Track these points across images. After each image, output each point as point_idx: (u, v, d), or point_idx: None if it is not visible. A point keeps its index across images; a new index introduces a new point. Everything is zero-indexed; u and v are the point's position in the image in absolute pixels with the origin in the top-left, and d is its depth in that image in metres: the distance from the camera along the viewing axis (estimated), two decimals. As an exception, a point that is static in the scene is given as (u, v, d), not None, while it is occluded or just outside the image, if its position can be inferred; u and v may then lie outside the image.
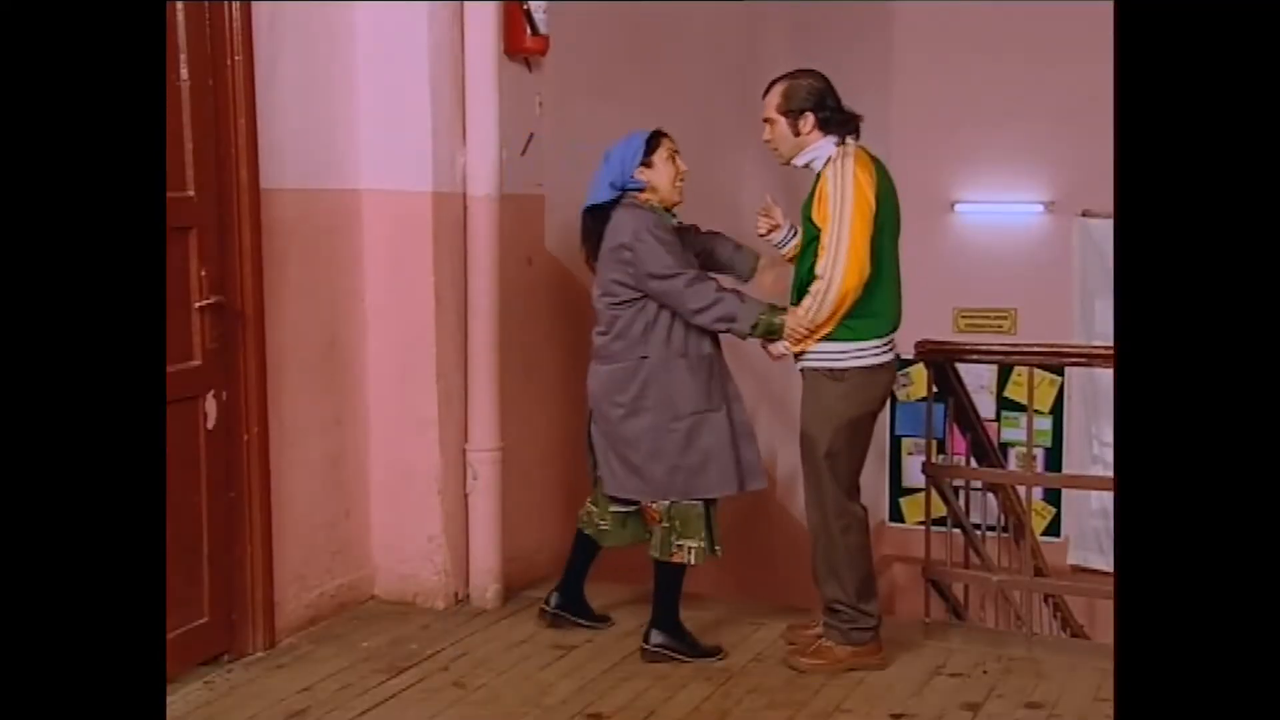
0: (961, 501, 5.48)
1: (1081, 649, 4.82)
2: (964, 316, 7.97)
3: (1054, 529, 8.02)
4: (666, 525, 3.65)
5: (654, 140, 3.69)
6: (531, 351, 4.32)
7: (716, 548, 3.69)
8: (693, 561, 3.66)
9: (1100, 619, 7.39)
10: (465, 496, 4.14)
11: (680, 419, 3.59)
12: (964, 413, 5.18)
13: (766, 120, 3.62)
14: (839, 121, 3.57)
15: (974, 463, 5.62)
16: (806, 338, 3.51)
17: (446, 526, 4.09)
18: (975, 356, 4.86)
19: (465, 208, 4.07)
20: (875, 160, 3.57)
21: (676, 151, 3.72)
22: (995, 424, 7.86)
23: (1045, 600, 6.23)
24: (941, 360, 4.69)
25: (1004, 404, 7.97)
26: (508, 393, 4.17)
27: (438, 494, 4.07)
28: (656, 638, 3.71)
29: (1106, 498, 7.80)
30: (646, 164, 3.66)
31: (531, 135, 4.25)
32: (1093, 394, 7.88)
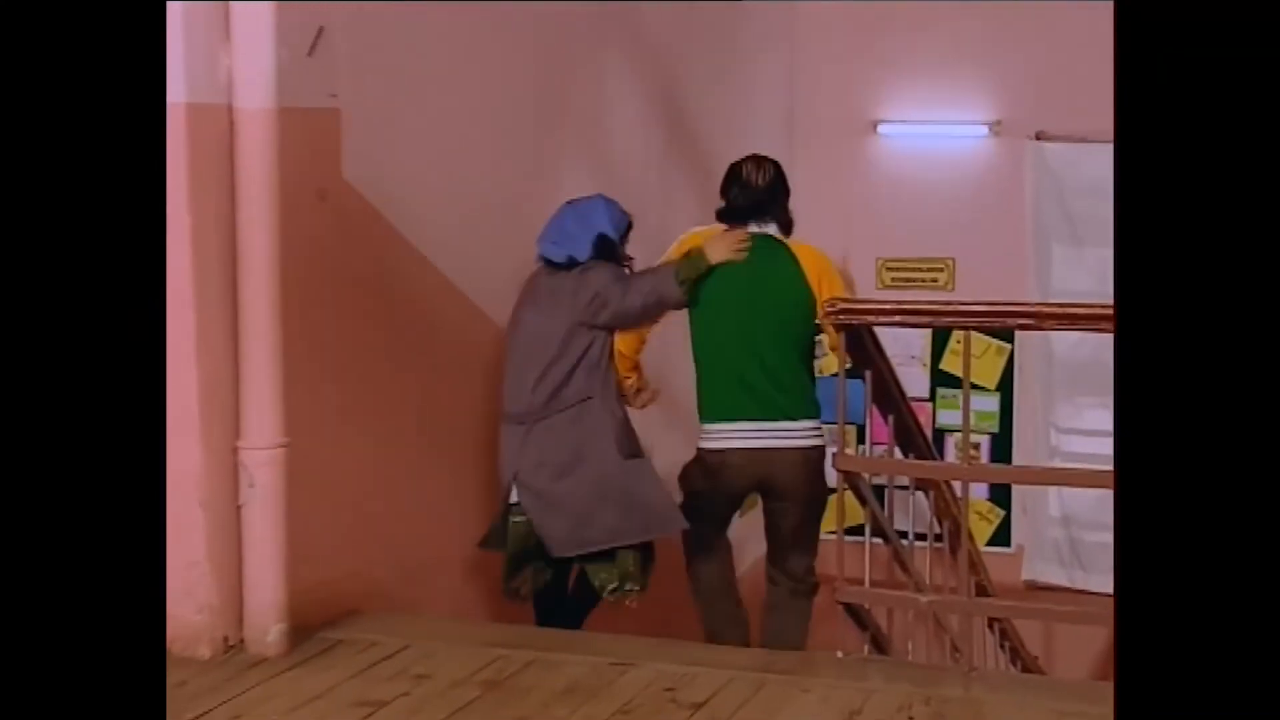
0: (885, 504, 5.43)
1: (1033, 686, 4.91)
2: (889, 269, 8.08)
3: (1003, 537, 8.21)
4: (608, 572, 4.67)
5: (629, 229, 4.84)
6: (325, 318, 4.30)
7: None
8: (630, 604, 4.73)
9: (1060, 648, 7.56)
10: (238, 509, 4.09)
11: (631, 459, 4.62)
12: (886, 390, 5.20)
13: None
14: (724, 212, 4.92)
15: (900, 454, 5.64)
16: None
17: (212, 549, 4.03)
18: (900, 318, 4.85)
19: (231, 125, 3.98)
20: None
21: None
22: (929, 405, 7.98)
23: (990, 626, 6.32)
24: (857, 323, 4.69)
25: (940, 379, 8.11)
26: (293, 373, 4.11)
27: (200, 507, 4.00)
28: None
29: (1068, 497, 8.05)
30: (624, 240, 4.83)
31: (321, 30, 4.19)
32: (1049, 365, 8.06)
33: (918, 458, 5.66)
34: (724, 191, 4.94)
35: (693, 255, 4.72)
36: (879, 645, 5.38)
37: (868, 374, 4.92)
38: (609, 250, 4.73)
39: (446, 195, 4.90)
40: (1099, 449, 7.62)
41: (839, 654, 4.54)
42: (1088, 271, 7.73)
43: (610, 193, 4.91)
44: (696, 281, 4.70)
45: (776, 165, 4.99)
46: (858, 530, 4.98)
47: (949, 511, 5.68)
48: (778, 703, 3.77)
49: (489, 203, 5.14)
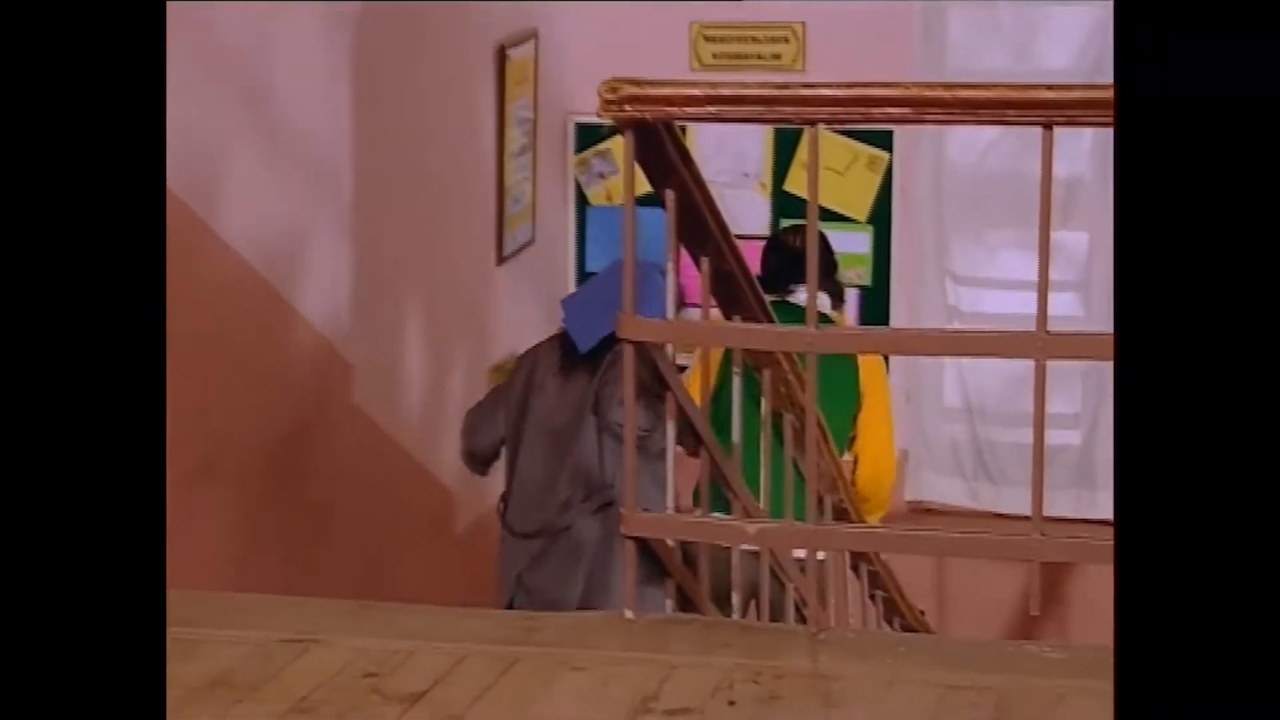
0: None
1: (913, 652, 4.85)
2: (709, 38, 8.21)
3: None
4: None
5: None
6: None
7: None
8: None
9: (956, 596, 7.71)
10: None
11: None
12: (697, 219, 5.05)
13: None
14: (763, 280, 5.90)
15: (720, 314, 5.57)
16: None
17: None
18: (718, 108, 4.68)
19: None
20: None
21: None
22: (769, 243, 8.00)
23: (854, 567, 6.46)
24: (653, 118, 4.50)
25: (786, 206, 8.26)
26: None
27: None
28: None
29: (973, 379, 8.40)
30: None
31: None
32: (939, 184, 8.21)
33: (746, 320, 5.62)
34: (763, 263, 6.48)
35: None
36: (687, 596, 5.36)
37: (669, 195, 4.78)
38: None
39: None
40: (1018, 307, 7.85)
41: (628, 614, 4.44)
42: (1003, 37, 7.93)
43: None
44: None
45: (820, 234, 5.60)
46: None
47: (792, 400, 5.71)
48: (534, 689, 3.69)
49: None
